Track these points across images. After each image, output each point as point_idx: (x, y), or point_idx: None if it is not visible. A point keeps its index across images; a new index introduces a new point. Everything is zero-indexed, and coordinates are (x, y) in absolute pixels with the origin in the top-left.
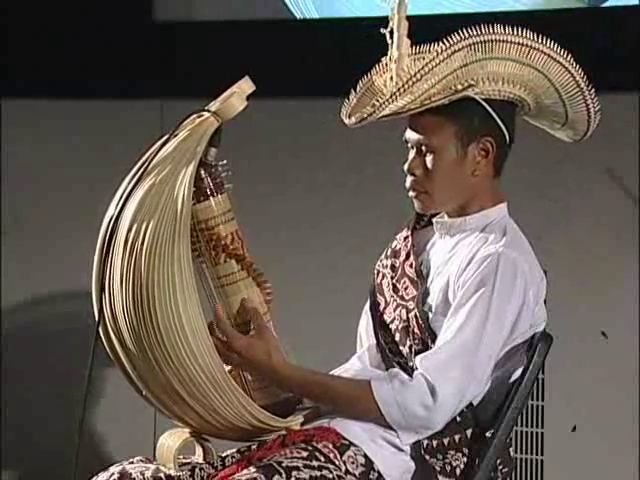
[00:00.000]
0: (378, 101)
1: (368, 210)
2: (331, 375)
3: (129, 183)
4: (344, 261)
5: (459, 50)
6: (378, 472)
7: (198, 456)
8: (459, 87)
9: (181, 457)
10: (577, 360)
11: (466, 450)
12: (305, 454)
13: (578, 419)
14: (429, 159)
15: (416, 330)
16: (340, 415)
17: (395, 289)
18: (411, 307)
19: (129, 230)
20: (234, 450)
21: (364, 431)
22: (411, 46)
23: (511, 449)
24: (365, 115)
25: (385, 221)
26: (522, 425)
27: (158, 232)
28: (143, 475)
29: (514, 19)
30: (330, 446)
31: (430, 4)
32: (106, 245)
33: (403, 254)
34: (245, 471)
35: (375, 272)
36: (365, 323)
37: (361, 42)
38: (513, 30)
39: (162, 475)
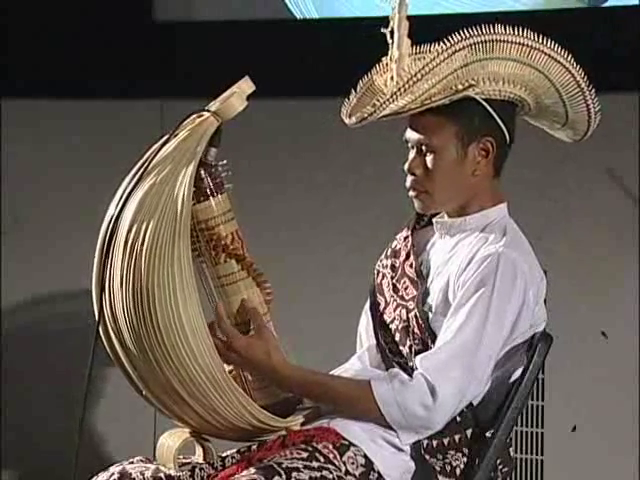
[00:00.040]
0: (378, 101)
1: (368, 210)
2: (331, 375)
3: (129, 183)
4: (344, 261)
5: (460, 50)
6: (378, 472)
7: (198, 456)
8: (460, 87)
9: (181, 457)
10: (577, 360)
11: (466, 450)
12: (305, 455)
13: (578, 419)
14: (429, 159)
15: (416, 330)
16: (340, 415)
17: (395, 289)
18: (411, 307)
19: (129, 230)
20: (234, 450)
21: (364, 431)
22: (411, 46)
23: (511, 449)
24: (365, 115)
25: (385, 221)
26: (522, 425)
27: (158, 232)
28: (143, 475)
29: (514, 19)
30: (330, 447)
31: (429, 4)
32: (106, 245)
33: (403, 254)
34: (245, 472)
35: (375, 272)
36: (365, 323)
37: (361, 42)
38: (514, 30)
39: (162, 475)
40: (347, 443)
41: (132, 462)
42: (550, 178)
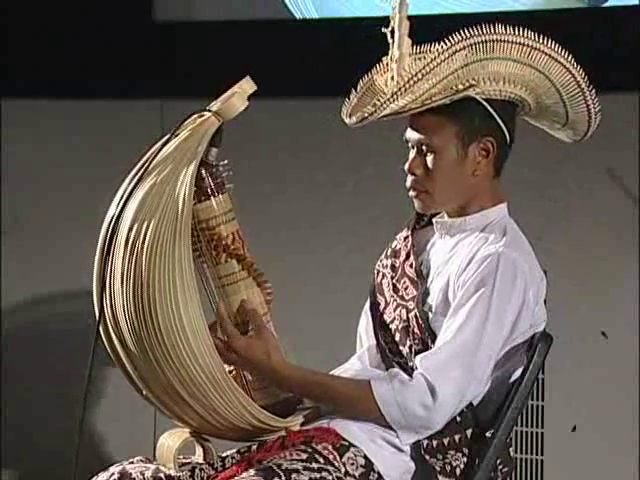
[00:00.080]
0: (379, 100)
1: (368, 210)
2: (331, 375)
3: (130, 183)
4: (344, 261)
5: (460, 50)
6: (378, 473)
7: (198, 456)
8: (460, 87)
9: (181, 457)
10: (577, 360)
11: (466, 450)
12: (305, 456)
13: (578, 419)
14: (430, 159)
15: (416, 330)
16: (340, 415)
17: (395, 289)
18: (411, 307)
19: (130, 230)
20: (234, 450)
21: (364, 432)
22: (412, 46)
23: (511, 449)
24: (366, 114)
25: (385, 221)
26: (522, 425)
27: (159, 232)
28: (143, 475)
29: (514, 19)
30: (330, 447)
31: (429, 4)
32: (107, 245)
33: (403, 254)
34: (244, 474)
35: (375, 272)
36: (365, 323)
37: (361, 42)
38: (514, 30)
39: (162, 475)
40: (347, 444)
41: (132, 462)
42: (550, 178)
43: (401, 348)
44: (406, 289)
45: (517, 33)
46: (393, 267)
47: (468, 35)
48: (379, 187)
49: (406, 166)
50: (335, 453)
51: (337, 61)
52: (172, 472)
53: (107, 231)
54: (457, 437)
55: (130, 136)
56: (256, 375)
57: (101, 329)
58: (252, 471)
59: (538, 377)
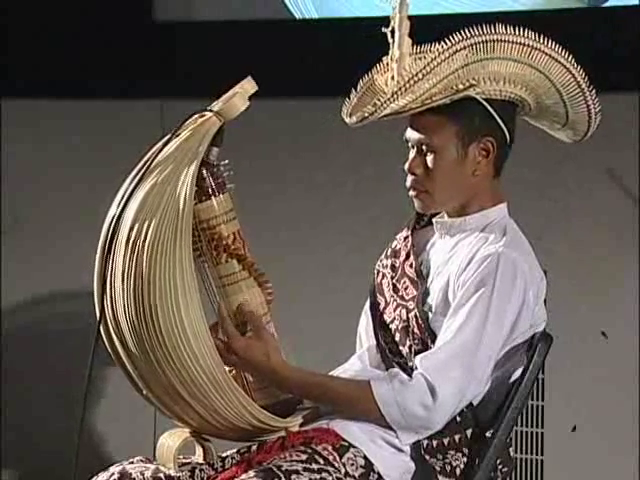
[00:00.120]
0: (379, 100)
1: (368, 210)
2: (330, 376)
3: (131, 182)
4: (344, 261)
5: (460, 50)
6: (378, 473)
7: (198, 456)
8: (460, 87)
9: (181, 457)
10: (577, 360)
11: (466, 450)
12: (304, 457)
13: (578, 419)
14: (430, 158)
15: (416, 330)
16: (339, 416)
17: (395, 289)
18: (411, 307)
19: (131, 229)
20: (234, 451)
21: (363, 432)
22: (412, 46)
23: (511, 449)
24: (366, 114)
25: (385, 221)
26: (522, 425)
27: (160, 232)
28: (143, 475)
29: (514, 19)
30: (329, 448)
31: (429, 4)
32: (108, 244)
33: (403, 254)
34: (244, 475)
35: (375, 272)
36: (365, 323)
37: (361, 42)
38: (514, 30)
39: (162, 475)
40: (347, 444)
41: (132, 462)
42: (550, 178)
43: (401, 348)
44: (406, 289)
45: (517, 33)
46: (393, 267)
47: (468, 35)
48: (379, 187)
49: (406, 166)
50: (335, 454)
51: (337, 61)
52: (172, 472)
53: (108, 231)
54: (457, 437)
55: (130, 136)
56: (256, 376)
57: (102, 329)
58: (252, 472)
59: (538, 377)
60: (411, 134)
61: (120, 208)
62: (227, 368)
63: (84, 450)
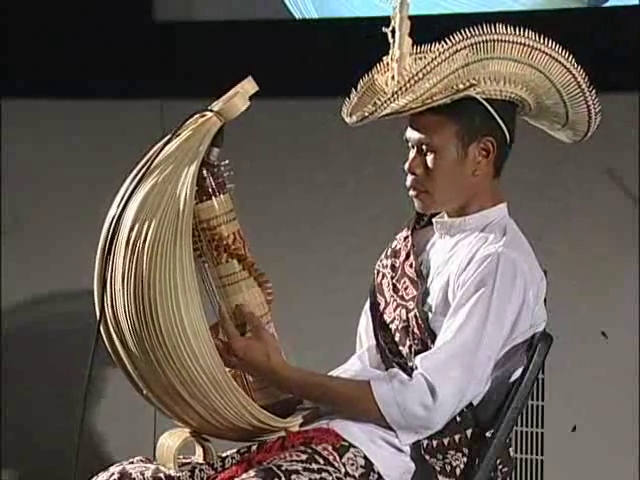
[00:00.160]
0: (379, 100)
1: (368, 210)
2: (330, 376)
3: (131, 182)
4: (344, 261)
5: (461, 50)
6: (378, 473)
7: (198, 456)
8: (461, 86)
9: (181, 457)
10: (577, 360)
11: (466, 450)
12: (304, 457)
13: (578, 419)
14: (430, 158)
15: (416, 330)
16: (339, 416)
17: (395, 289)
18: (411, 307)
19: (131, 229)
20: (234, 451)
21: (363, 432)
22: (412, 46)
23: (511, 449)
24: (366, 114)
25: (385, 221)
26: (522, 425)
27: (160, 232)
28: (143, 475)
29: (514, 19)
30: (329, 448)
31: (429, 4)
32: (108, 244)
33: (403, 254)
34: (244, 475)
35: (375, 272)
36: (365, 324)
37: (360, 42)
38: (515, 30)
39: (162, 475)
40: (347, 444)
41: (132, 462)
42: (550, 178)
43: (401, 348)
44: (406, 289)
45: (518, 33)
46: (393, 267)
47: (469, 35)
48: (379, 187)
49: (406, 166)
50: (335, 454)
51: (337, 61)
52: (172, 472)
53: (108, 231)
54: (457, 437)
55: (130, 136)
56: (256, 376)
57: (102, 329)
58: (252, 472)
59: (538, 377)
60: (411, 134)
61: (120, 208)
62: (227, 369)
63: (84, 450)
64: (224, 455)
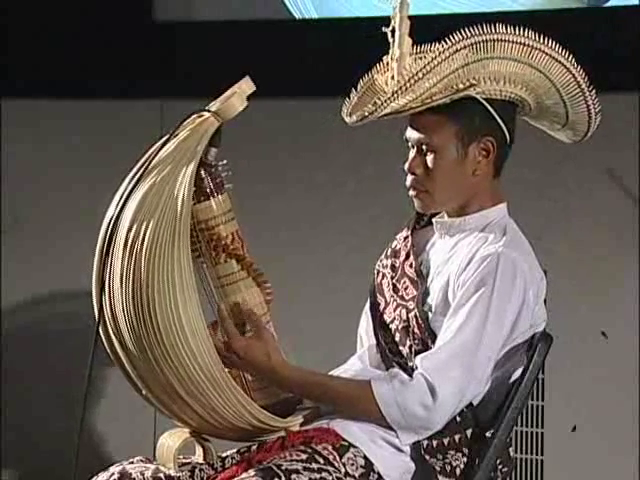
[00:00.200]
0: (379, 99)
1: (368, 210)
2: (330, 376)
3: (129, 183)
4: (344, 261)
5: (461, 49)
6: (378, 473)
7: (198, 456)
8: (461, 86)
9: (181, 457)
10: (577, 360)
11: (466, 450)
12: (304, 457)
13: (578, 419)
14: (430, 158)
15: (416, 330)
16: (339, 416)
17: (395, 289)
18: (411, 307)
19: (129, 230)
20: (234, 451)
21: (363, 432)
22: (412, 45)
23: (511, 449)
24: (366, 113)
25: (385, 221)
26: (522, 425)
27: (158, 232)
28: (143, 475)
29: (514, 19)
30: (329, 448)
31: (429, 4)
32: (106, 245)
33: (403, 254)
34: (244, 474)
35: (375, 272)
36: (365, 324)
37: (360, 42)
38: (515, 30)
39: (162, 475)
40: (347, 444)
41: (132, 462)
42: (550, 178)
43: (401, 348)
44: (406, 289)
45: (518, 33)
46: (393, 267)
47: (469, 34)
48: (379, 187)
49: (406, 165)
50: (335, 453)
51: (337, 61)
52: (172, 472)
53: (106, 231)
54: (457, 437)
55: (130, 136)
56: (256, 376)
57: (100, 329)
58: (252, 472)
59: (538, 377)
60: (411, 134)
61: (118, 208)
62: (227, 369)
63: (84, 450)
64: (224, 455)
